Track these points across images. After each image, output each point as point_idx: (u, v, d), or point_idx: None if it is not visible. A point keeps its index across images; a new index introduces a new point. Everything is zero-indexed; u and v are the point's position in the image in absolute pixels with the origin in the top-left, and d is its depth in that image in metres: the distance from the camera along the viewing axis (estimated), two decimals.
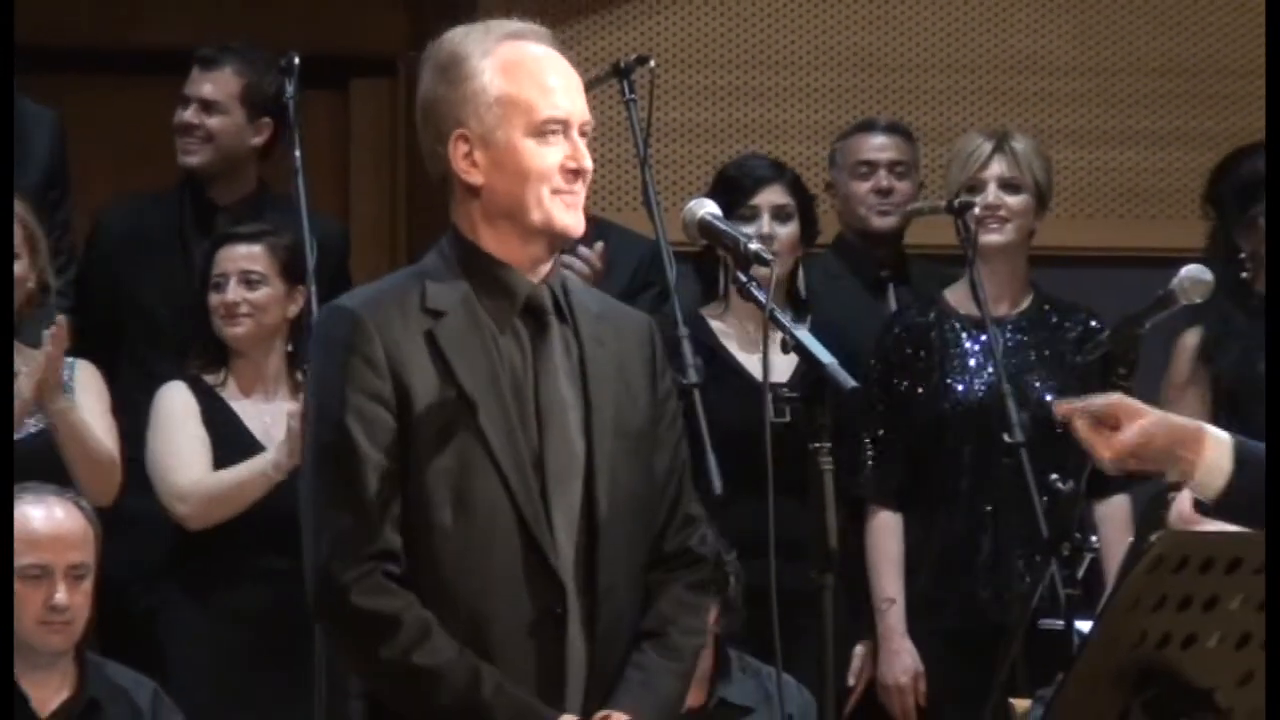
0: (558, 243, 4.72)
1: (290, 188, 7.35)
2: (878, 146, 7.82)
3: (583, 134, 4.71)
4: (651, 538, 4.77)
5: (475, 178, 4.68)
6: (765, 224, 7.33)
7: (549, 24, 5.10)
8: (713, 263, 7.33)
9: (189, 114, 7.78)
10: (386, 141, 8.96)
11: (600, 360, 4.73)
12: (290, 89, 7.31)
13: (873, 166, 7.81)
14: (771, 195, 7.43)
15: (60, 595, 6.51)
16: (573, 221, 4.69)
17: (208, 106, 7.77)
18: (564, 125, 4.69)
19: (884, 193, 7.77)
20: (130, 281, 7.75)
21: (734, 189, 7.27)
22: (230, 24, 8.40)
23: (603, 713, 4.66)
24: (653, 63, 7.12)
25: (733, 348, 7.41)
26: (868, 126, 7.90)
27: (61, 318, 6.98)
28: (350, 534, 4.62)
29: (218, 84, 7.77)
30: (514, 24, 4.76)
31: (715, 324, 7.43)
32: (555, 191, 4.67)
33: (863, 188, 7.80)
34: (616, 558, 4.71)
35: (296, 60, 7.34)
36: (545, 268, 4.72)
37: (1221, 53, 8.67)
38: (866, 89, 8.60)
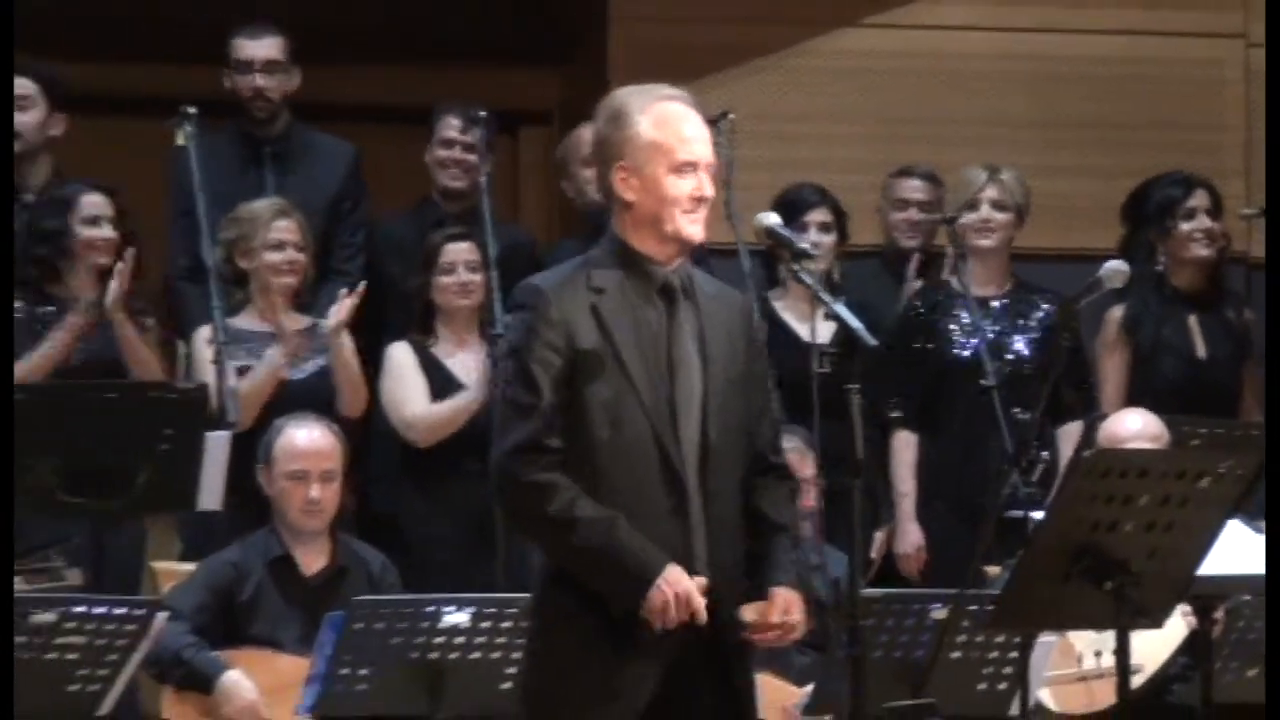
0: (685, 247, 4.68)
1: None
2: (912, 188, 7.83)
3: (706, 171, 4.67)
4: (750, 455, 4.71)
5: (630, 196, 4.64)
6: (813, 234, 7.32)
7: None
8: (774, 259, 7.34)
9: (464, 154, 7.60)
10: (546, 174, 8.69)
11: (713, 327, 4.67)
12: (483, 134, 7.29)
13: (907, 203, 7.81)
14: (817, 215, 7.46)
15: (314, 491, 6.43)
16: (696, 233, 4.66)
17: (469, 148, 7.58)
18: (694, 166, 4.64)
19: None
20: (394, 271, 7.57)
21: (790, 209, 7.23)
22: (443, 88, 8.21)
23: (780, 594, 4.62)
24: (732, 115, 7.09)
25: (789, 319, 7.43)
26: (906, 172, 7.90)
27: (345, 291, 6.97)
28: (524, 439, 4.59)
29: (473, 132, 7.56)
30: (665, 89, 4.71)
31: (777, 303, 7.44)
32: (685, 211, 4.63)
33: (897, 216, 7.83)
34: (724, 470, 4.65)
35: (484, 114, 7.34)
36: (676, 261, 4.69)
37: (1122, 111, 8.67)
38: (886, 137, 8.56)
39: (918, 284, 7.64)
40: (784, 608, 4.63)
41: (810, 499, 6.55)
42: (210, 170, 7.06)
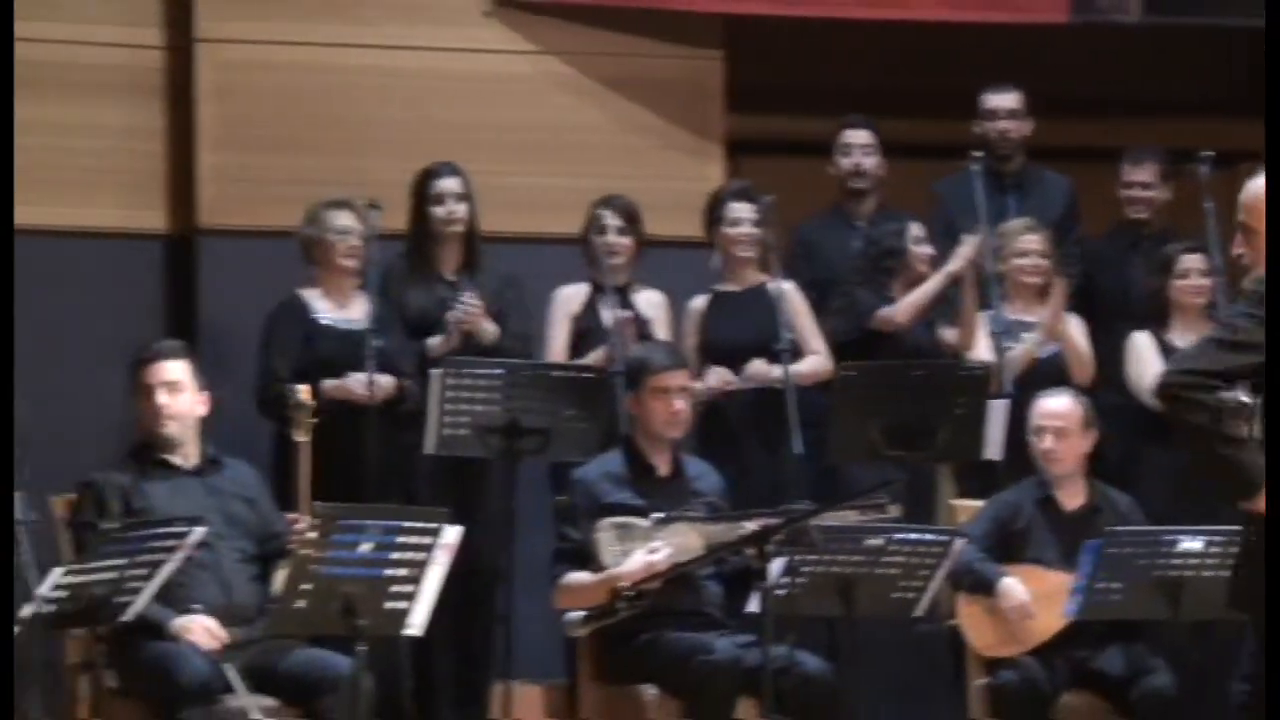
0: None
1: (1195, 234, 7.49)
2: None
3: None
4: None
5: (1252, 246, 4.64)
6: None
7: None
8: None
9: (1142, 191, 7.95)
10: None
11: None
12: (1205, 170, 7.50)
13: None
14: None
15: (1048, 442, 6.62)
16: None
17: (1146, 186, 7.93)
18: None
19: None
20: (1100, 277, 7.86)
21: None
22: (1146, 132, 8.31)
23: None
24: None
25: None
26: None
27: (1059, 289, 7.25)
28: (1205, 367, 4.47)
29: (1152, 172, 7.91)
30: None
31: None
32: None
33: None
34: None
35: (1208, 154, 7.52)
36: None
37: None
38: None
39: None
40: None
41: None
42: (967, 199, 7.62)
